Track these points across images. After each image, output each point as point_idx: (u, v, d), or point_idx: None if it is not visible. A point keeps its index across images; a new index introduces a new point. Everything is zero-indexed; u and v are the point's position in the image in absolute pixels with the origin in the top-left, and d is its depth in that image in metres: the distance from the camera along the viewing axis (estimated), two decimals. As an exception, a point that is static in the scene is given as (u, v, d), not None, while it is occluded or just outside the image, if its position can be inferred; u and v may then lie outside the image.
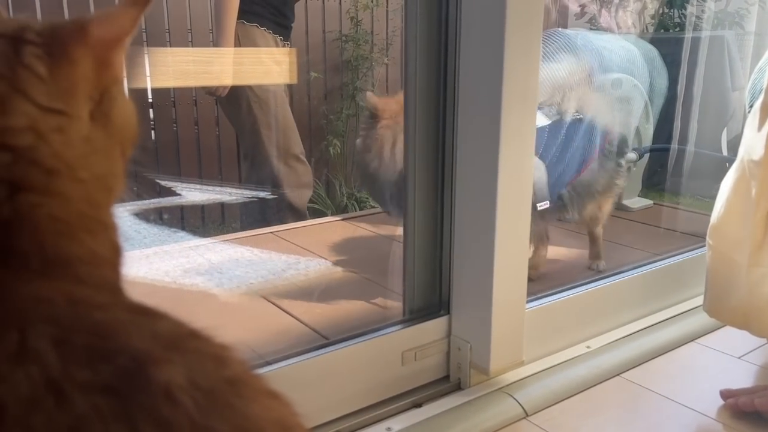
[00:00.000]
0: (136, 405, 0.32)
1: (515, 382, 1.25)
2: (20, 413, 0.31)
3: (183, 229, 3.24)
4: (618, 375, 1.31)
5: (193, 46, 3.27)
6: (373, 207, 2.85)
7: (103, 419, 0.31)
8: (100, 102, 0.44)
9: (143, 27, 3.14)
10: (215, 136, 3.42)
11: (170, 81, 3.08)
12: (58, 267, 0.40)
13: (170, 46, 3.21)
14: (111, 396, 0.32)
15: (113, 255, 0.46)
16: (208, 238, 2.57)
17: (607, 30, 3.05)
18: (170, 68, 3.00)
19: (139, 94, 3.10)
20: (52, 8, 2.88)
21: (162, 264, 2.05)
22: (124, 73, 0.48)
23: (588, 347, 1.40)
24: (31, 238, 0.39)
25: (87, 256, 0.42)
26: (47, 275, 0.39)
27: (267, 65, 2.40)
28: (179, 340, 0.38)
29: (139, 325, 0.38)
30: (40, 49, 0.41)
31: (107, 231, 0.45)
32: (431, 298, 1.27)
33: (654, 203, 2.79)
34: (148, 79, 3.06)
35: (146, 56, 3.12)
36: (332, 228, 2.56)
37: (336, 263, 2.09)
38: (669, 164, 2.75)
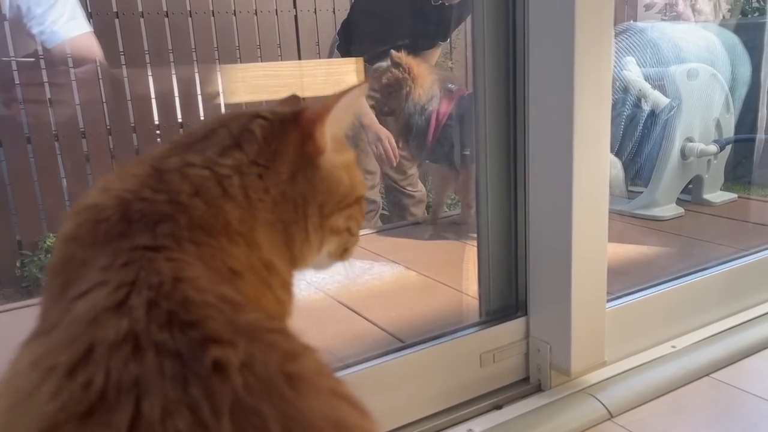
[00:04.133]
0: (192, 372, 0.37)
1: (598, 383, 1.22)
2: (103, 355, 0.38)
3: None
4: (707, 375, 1.26)
5: (262, 61, 3.37)
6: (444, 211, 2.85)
7: (163, 377, 0.37)
8: (304, 167, 0.57)
9: (215, 45, 3.26)
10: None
11: (242, 96, 3.18)
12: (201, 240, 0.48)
13: (241, 63, 3.32)
14: (175, 360, 0.38)
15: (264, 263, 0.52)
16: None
17: (684, 19, 2.94)
18: (241, 83, 3.10)
19: (213, 109, 3.22)
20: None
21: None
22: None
23: (674, 347, 1.35)
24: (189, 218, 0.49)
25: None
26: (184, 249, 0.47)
27: (335, 76, 2.45)
28: (256, 332, 0.42)
29: (221, 310, 0.42)
30: (266, 122, 0.57)
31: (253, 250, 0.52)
32: (508, 299, 1.26)
33: (738, 196, 2.66)
34: (221, 95, 3.18)
35: (218, 73, 3.24)
36: (405, 232, 2.57)
37: (409, 267, 2.10)
38: (755, 155, 2.62)
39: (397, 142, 2.39)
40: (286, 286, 0.55)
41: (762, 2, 3.20)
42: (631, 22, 2.56)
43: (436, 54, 2.65)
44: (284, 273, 0.55)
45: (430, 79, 2.23)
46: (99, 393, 0.36)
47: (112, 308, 0.40)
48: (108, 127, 3.04)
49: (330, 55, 2.54)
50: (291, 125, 0.57)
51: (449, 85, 2.29)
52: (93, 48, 1.38)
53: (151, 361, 0.37)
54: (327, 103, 0.57)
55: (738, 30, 2.69)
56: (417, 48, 2.43)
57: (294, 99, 0.67)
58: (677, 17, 2.95)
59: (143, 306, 0.40)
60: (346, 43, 2.39)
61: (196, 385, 0.36)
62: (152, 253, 0.45)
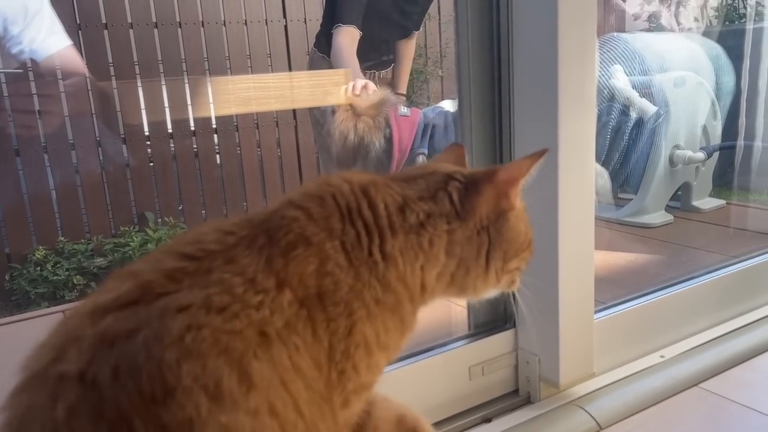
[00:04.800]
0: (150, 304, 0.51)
1: (587, 394, 1.22)
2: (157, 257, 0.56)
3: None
4: (696, 385, 1.27)
5: (252, 72, 3.37)
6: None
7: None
8: (495, 220, 0.66)
9: (205, 57, 3.26)
10: (277, 158, 3.51)
11: (232, 108, 3.18)
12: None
13: (231, 74, 3.32)
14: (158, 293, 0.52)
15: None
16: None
17: (668, 29, 2.96)
18: (232, 95, 3.10)
19: (204, 121, 3.22)
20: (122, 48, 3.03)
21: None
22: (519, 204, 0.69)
23: (662, 357, 1.35)
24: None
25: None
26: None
27: (324, 87, 2.45)
28: (226, 309, 0.51)
29: (233, 285, 0.54)
30: (461, 185, 0.65)
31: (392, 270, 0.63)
32: (496, 311, 1.26)
33: (727, 203, 2.68)
34: (212, 106, 3.17)
35: (209, 85, 3.23)
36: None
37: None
38: (736, 161, 2.64)
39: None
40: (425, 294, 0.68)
41: (745, 8, 3.23)
42: (615, 33, 2.57)
43: (412, 46, 2.61)
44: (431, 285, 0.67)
45: (357, 129, 2.13)
46: (118, 297, 0.52)
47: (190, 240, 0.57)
48: (97, 138, 3.04)
49: (310, 64, 2.53)
50: (486, 184, 0.65)
51: (402, 109, 2.17)
52: (74, 61, 1.40)
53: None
54: (521, 166, 0.66)
55: (722, 38, 2.71)
56: (392, 37, 2.42)
57: (457, 147, 0.77)
58: (661, 27, 2.97)
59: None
60: (326, 35, 2.35)
61: (164, 315, 0.50)
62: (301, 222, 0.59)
